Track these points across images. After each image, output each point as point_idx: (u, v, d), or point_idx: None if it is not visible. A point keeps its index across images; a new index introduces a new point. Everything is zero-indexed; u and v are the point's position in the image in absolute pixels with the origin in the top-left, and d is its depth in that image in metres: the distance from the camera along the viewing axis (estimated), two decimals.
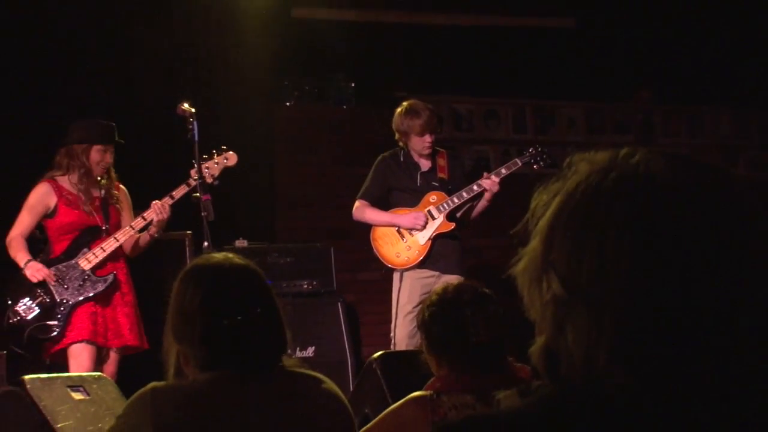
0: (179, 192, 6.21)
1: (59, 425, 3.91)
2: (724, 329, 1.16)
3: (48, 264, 6.14)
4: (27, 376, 4.09)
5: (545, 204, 1.26)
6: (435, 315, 3.36)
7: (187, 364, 2.48)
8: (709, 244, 1.17)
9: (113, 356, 6.17)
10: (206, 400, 2.36)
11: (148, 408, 2.29)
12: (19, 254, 6.12)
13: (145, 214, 6.23)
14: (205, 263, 2.62)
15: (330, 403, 2.52)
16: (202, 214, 6.00)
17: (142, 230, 6.28)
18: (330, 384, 2.57)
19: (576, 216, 1.22)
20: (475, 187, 6.61)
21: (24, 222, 6.18)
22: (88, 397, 4.20)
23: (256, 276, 2.58)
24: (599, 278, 1.17)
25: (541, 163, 6.82)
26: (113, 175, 6.35)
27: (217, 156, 6.33)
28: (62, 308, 6.07)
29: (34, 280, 6.03)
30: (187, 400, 2.34)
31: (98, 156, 6.17)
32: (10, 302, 6.13)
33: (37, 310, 6.09)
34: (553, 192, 1.26)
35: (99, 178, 6.25)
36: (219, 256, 2.66)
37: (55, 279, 6.06)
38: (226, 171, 6.35)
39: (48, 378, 4.21)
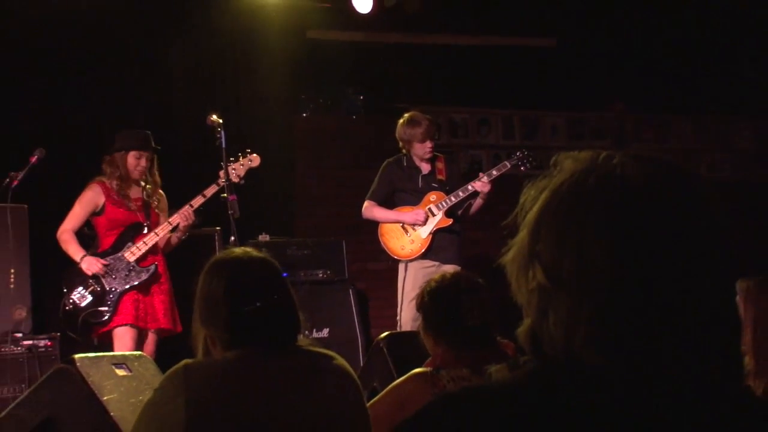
0: (210, 191, 6.24)
1: (105, 398, 3.92)
2: (687, 317, 1.17)
3: (98, 257, 6.17)
4: (77, 355, 4.10)
5: (533, 199, 1.26)
6: (434, 299, 3.37)
7: (213, 345, 2.50)
8: (675, 239, 1.18)
9: (151, 337, 6.22)
10: (232, 375, 2.38)
11: (181, 382, 2.30)
12: (73, 248, 6.16)
13: (171, 219, 6.28)
14: (227, 257, 2.64)
15: (340, 377, 2.53)
16: (229, 212, 6.02)
17: (173, 230, 6.31)
18: (340, 360, 2.58)
19: (560, 211, 1.21)
20: (469, 187, 6.63)
21: (76, 218, 6.22)
22: (130, 374, 4.21)
23: (272, 267, 2.60)
24: (579, 270, 1.17)
25: (528, 165, 6.83)
26: (157, 179, 6.38)
27: (243, 158, 6.34)
28: (111, 296, 6.12)
29: (90, 273, 6.07)
30: (215, 374, 2.36)
31: (134, 161, 6.20)
32: (66, 291, 6.18)
33: (89, 298, 6.14)
34: (540, 188, 1.25)
35: (143, 183, 6.27)
36: (238, 250, 2.69)
37: (105, 270, 6.10)
38: (250, 172, 6.36)
39: (95, 356, 4.22)
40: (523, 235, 1.25)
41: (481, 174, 6.68)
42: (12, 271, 6.61)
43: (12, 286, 6.64)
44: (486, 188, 6.57)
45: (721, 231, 1.22)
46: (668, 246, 1.17)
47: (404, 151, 6.81)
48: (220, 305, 2.46)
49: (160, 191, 6.44)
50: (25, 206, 6.75)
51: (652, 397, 1.15)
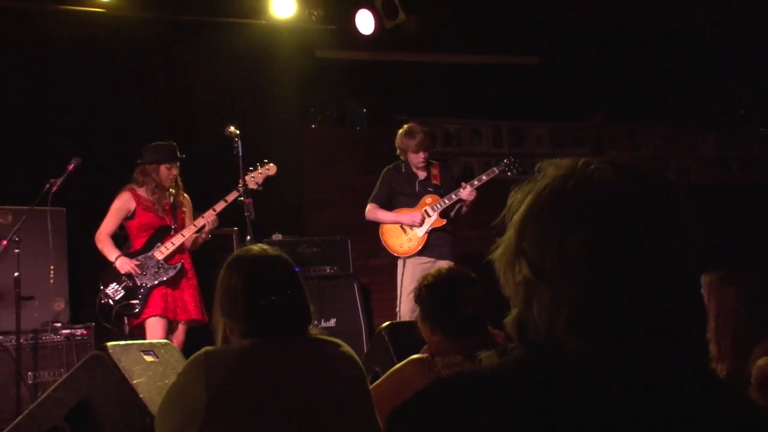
0: (231, 196, 6.27)
1: (135, 381, 3.92)
2: (657, 306, 1.18)
3: (130, 256, 6.25)
4: (109, 343, 4.10)
5: (519, 201, 1.26)
6: (431, 292, 3.37)
7: (232, 333, 2.51)
8: (645, 237, 1.19)
9: (181, 328, 6.27)
10: (247, 361, 2.38)
11: (202, 367, 2.31)
12: (108, 249, 6.24)
13: (196, 222, 6.31)
14: (246, 255, 2.63)
15: (346, 362, 2.53)
16: (246, 214, 6.04)
17: (198, 231, 6.33)
18: (346, 347, 2.58)
19: (543, 212, 1.22)
20: (453, 196, 6.66)
21: (110, 223, 6.28)
22: (157, 359, 4.21)
23: (286, 264, 2.60)
24: (560, 264, 1.18)
25: (514, 171, 6.84)
26: (180, 183, 6.43)
27: (261, 167, 6.37)
28: (142, 291, 6.16)
29: (123, 272, 6.11)
30: (232, 360, 2.36)
31: (166, 172, 6.27)
32: (101, 287, 6.24)
33: (122, 293, 6.19)
34: (526, 191, 1.26)
35: (169, 189, 6.30)
36: (256, 248, 2.67)
37: (136, 268, 6.13)
38: (268, 179, 6.37)
39: (125, 344, 4.22)
40: (510, 233, 1.26)
41: (463, 183, 6.69)
42: (51, 267, 6.62)
43: (52, 281, 6.65)
44: (471, 196, 6.61)
45: (686, 230, 1.23)
46: (639, 243, 1.18)
47: (402, 157, 6.81)
48: (238, 299, 2.46)
49: (185, 195, 6.47)
50: (63, 209, 6.75)
51: (627, 377, 1.16)
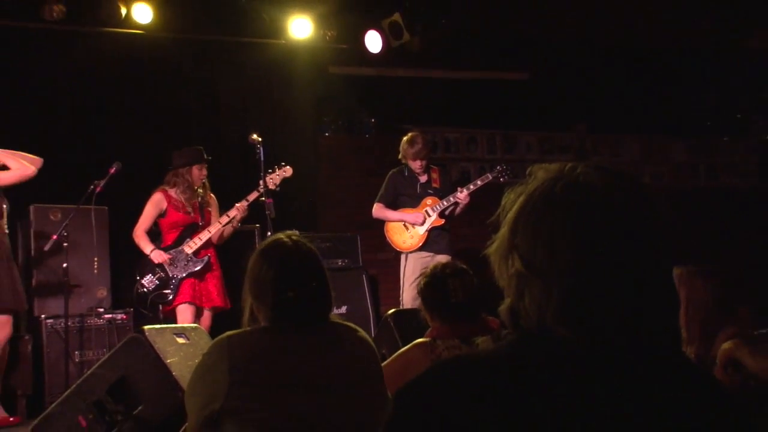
0: (252, 196, 6.28)
1: (168, 361, 3.92)
2: (636, 296, 1.18)
3: (163, 250, 6.26)
4: (146, 327, 4.11)
5: (512, 202, 1.26)
6: (428, 283, 3.37)
7: (258, 312, 2.47)
8: (626, 234, 1.19)
9: (207, 314, 6.28)
10: (269, 344, 2.34)
11: (225, 349, 2.26)
12: (144, 244, 6.27)
13: (229, 213, 6.32)
14: (277, 245, 2.54)
15: (363, 346, 2.49)
16: (266, 212, 6.05)
17: (227, 223, 6.35)
18: (362, 332, 2.54)
19: (534, 211, 1.22)
20: (451, 198, 6.67)
21: (145, 220, 6.30)
22: (188, 341, 4.22)
23: (314, 257, 2.55)
24: (549, 259, 1.18)
25: (506, 177, 6.83)
26: (207, 184, 6.43)
27: (279, 169, 6.37)
28: (173, 281, 6.18)
29: (157, 262, 6.14)
30: (254, 343, 2.32)
31: (197, 172, 6.31)
32: (138, 277, 6.29)
33: (157, 283, 6.22)
34: (518, 193, 1.26)
35: (197, 188, 6.32)
36: (287, 239, 2.57)
37: (169, 261, 6.14)
38: (284, 180, 6.38)
39: (160, 327, 4.23)
40: (504, 230, 1.26)
41: (459, 188, 6.70)
42: (95, 259, 6.65)
43: (95, 271, 6.68)
44: (466, 200, 6.61)
45: (662, 227, 1.23)
46: (620, 239, 1.18)
47: (405, 162, 6.81)
48: (267, 289, 2.41)
49: (212, 195, 6.49)
50: (106, 208, 6.78)
51: (608, 360, 1.16)
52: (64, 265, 6.11)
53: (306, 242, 2.57)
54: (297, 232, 2.62)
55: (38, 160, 5.81)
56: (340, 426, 2.27)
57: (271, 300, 2.40)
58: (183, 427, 2.86)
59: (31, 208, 6.62)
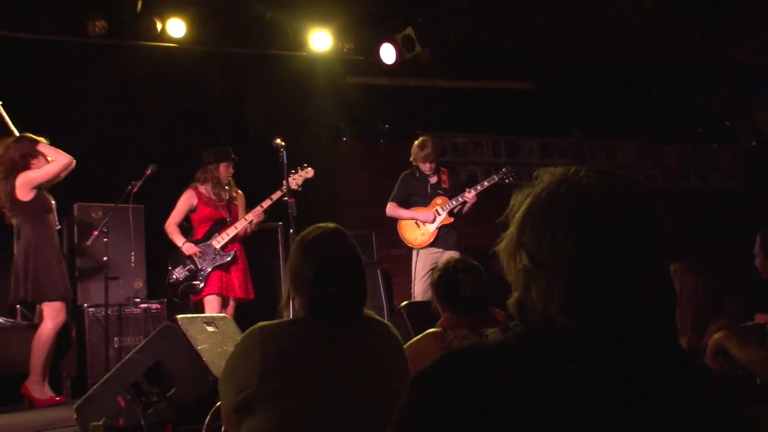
0: (275, 195, 6.29)
1: (199, 347, 3.94)
2: (634, 290, 1.17)
3: (194, 244, 6.26)
4: (179, 315, 4.14)
5: (520, 202, 1.26)
6: (440, 277, 3.37)
7: (295, 299, 2.41)
8: (624, 231, 1.19)
9: (232, 304, 6.30)
10: (301, 334, 2.29)
11: (257, 339, 2.22)
12: (176, 236, 6.32)
13: (254, 211, 6.32)
14: (319, 241, 2.43)
15: (392, 338, 2.44)
16: (289, 211, 6.04)
17: (249, 222, 6.38)
18: (391, 326, 2.49)
19: (540, 212, 1.22)
20: (460, 198, 6.66)
21: (177, 214, 6.35)
22: (217, 330, 4.24)
23: (354, 255, 2.46)
24: (554, 255, 1.18)
25: (511, 178, 6.80)
26: (233, 183, 6.44)
27: (301, 170, 6.39)
28: (202, 273, 6.21)
29: (188, 254, 6.19)
30: (286, 334, 2.28)
31: (224, 169, 6.34)
32: (170, 268, 6.32)
33: (187, 274, 6.25)
34: (526, 194, 1.26)
35: (225, 186, 6.34)
36: (330, 233, 2.46)
37: (199, 254, 6.16)
38: (306, 181, 6.38)
39: (192, 317, 4.25)
40: (512, 229, 1.25)
41: (467, 188, 6.70)
42: (132, 253, 6.67)
43: (132, 264, 6.70)
44: (473, 200, 6.60)
45: (658, 226, 1.22)
46: (619, 236, 1.18)
47: (416, 164, 6.80)
48: (307, 284, 2.33)
49: (239, 191, 6.51)
50: (142, 206, 6.81)
51: (609, 350, 1.16)
52: (104, 258, 6.14)
53: (347, 236, 2.47)
54: (338, 226, 2.50)
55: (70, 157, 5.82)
56: (365, 414, 2.21)
57: (309, 295, 2.34)
58: (213, 408, 2.87)
59: (75, 206, 6.68)
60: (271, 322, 2.35)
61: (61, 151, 5.73)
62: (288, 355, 2.21)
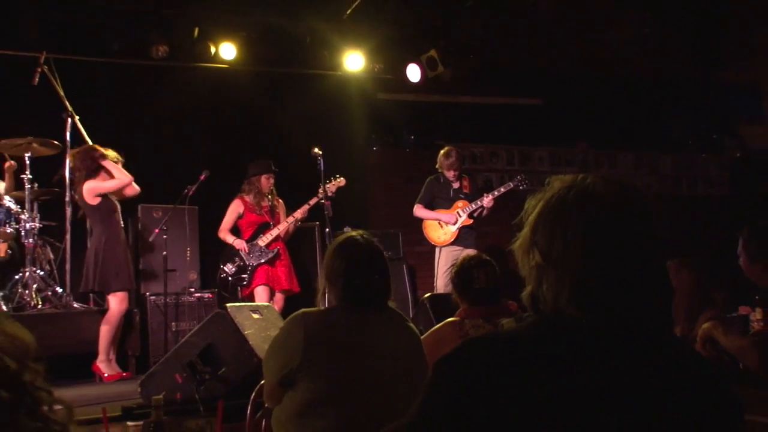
0: (313, 201, 6.31)
1: (246, 332, 3.96)
2: (636, 284, 1.17)
3: None
4: (228, 304, 4.16)
5: (533, 206, 1.26)
6: (458, 272, 3.36)
7: (330, 293, 2.50)
8: (627, 232, 1.18)
9: (278, 296, 6.34)
10: (338, 320, 2.39)
11: (301, 322, 2.31)
12: (228, 237, 6.32)
13: (294, 214, 6.37)
14: (349, 242, 2.54)
15: (409, 329, 2.50)
16: (325, 213, 6.06)
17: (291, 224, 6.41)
18: (409, 321, 2.55)
19: (551, 214, 1.22)
20: (478, 202, 6.60)
21: (227, 222, 6.44)
22: (261, 317, 4.25)
23: (379, 254, 2.55)
24: (563, 253, 1.18)
25: (525, 185, 6.73)
26: (274, 192, 6.48)
27: (335, 180, 6.38)
28: (249, 268, 6.25)
29: (238, 248, 6.28)
30: (324, 319, 2.37)
31: (265, 181, 6.35)
32: (221, 265, 6.37)
33: (236, 270, 6.30)
34: (538, 199, 1.26)
35: (267, 195, 6.36)
36: (358, 237, 2.57)
37: (247, 251, 6.20)
38: (339, 188, 6.38)
39: (239, 305, 4.27)
40: (526, 230, 1.25)
41: (485, 194, 6.65)
42: (188, 249, 6.73)
43: (188, 258, 6.76)
44: (491, 204, 6.56)
45: (656, 227, 1.22)
46: (623, 236, 1.17)
47: (440, 171, 6.77)
48: (339, 277, 2.43)
49: (279, 200, 6.54)
50: (196, 208, 6.85)
51: (613, 337, 1.15)
52: (164, 253, 6.19)
53: (374, 241, 2.57)
54: (366, 233, 2.61)
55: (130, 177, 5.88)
56: (388, 387, 2.29)
57: (342, 286, 2.43)
58: (258, 386, 2.88)
59: (139, 207, 6.73)
60: (312, 309, 2.43)
61: (123, 171, 5.75)
62: (326, 336, 2.29)
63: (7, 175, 6.26)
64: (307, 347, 2.24)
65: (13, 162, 6.17)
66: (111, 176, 5.68)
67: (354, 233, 2.58)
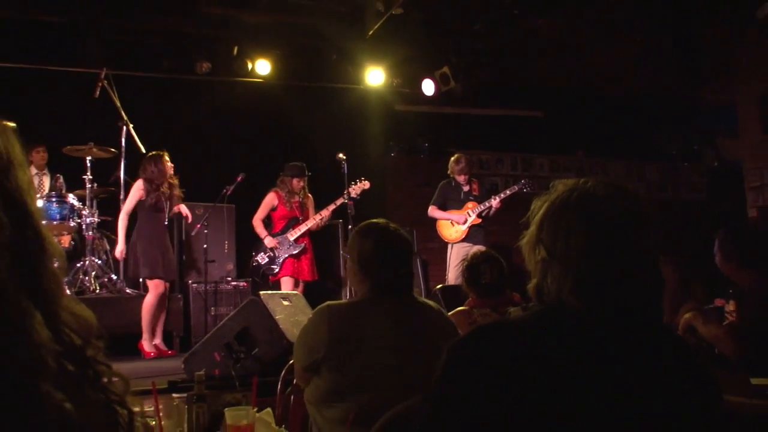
0: (339, 201, 6.28)
1: (277, 317, 3.97)
2: (631, 277, 1.16)
3: (273, 236, 6.30)
4: (261, 292, 4.16)
5: (539, 207, 1.26)
6: (467, 267, 3.35)
7: (354, 275, 2.32)
8: (623, 230, 1.18)
9: (301, 286, 6.27)
10: (362, 312, 2.23)
11: (325, 315, 2.18)
12: (260, 230, 6.34)
13: (321, 213, 6.33)
14: (376, 225, 2.33)
15: (436, 313, 2.33)
16: (348, 212, 6.05)
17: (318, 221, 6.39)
18: (437, 306, 2.37)
19: (555, 214, 1.21)
20: (487, 204, 6.57)
21: (261, 212, 6.39)
22: (290, 304, 4.25)
23: (407, 240, 2.34)
24: (566, 250, 1.17)
25: (528, 189, 6.70)
26: (306, 189, 6.42)
27: (360, 182, 6.36)
28: (279, 259, 6.23)
29: (268, 246, 6.21)
30: (349, 311, 2.23)
31: (296, 182, 6.32)
32: (254, 254, 6.36)
33: (267, 260, 6.28)
34: (543, 200, 1.26)
35: (298, 193, 6.35)
36: (382, 222, 2.34)
37: (277, 244, 6.20)
38: (363, 191, 6.36)
39: (271, 293, 4.27)
40: (532, 228, 1.25)
41: (493, 195, 6.63)
42: (226, 242, 6.76)
43: (226, 251, 6.79)
44: (498, 205, 6.54)
45: (649, 226, 1.21)
46: (619, 234, 1.17)
47: (452, 176, 6.75)
48: (375, 268, 2.25)
49: (310, 195, 6.50)
50: (233, 206, 6.89)
51: (610, 324, 1.15)
52: (205, 246, 6.22)
53: (403, 232, 2.34)
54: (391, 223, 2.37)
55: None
56: (415, 377, 2.09)
57: (376, 276, 2.25)
58: (287, 365, 2.87)
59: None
60: (338, 301, 2.30)
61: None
62: (350, 328, 2.16)
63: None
64: (331, 342, 2.13)
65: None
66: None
67: (383, 223, 2.34)
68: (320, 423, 2.18)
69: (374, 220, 2.36)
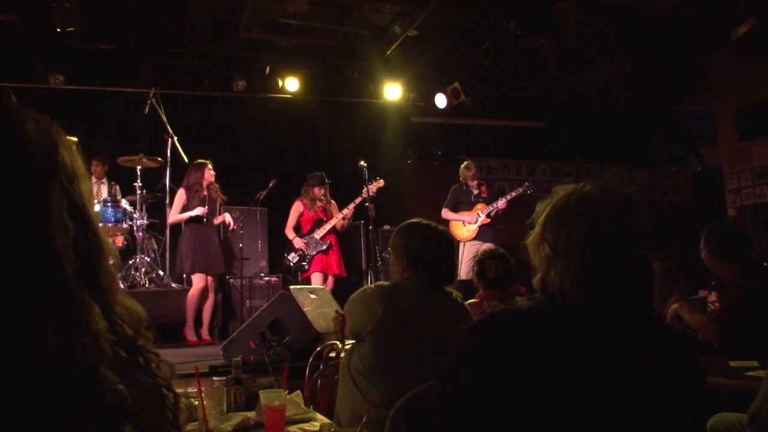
0: (358, 199, 6.26)
1: (305, 309, 3.96)
2: (626, 271, 1.16)
3: (301, 236, 6.30)
4: (291, 286, 4.16)
5: (542, 209, 1.26)
6: (477, 263, 3.34)
7: (396, 267, 2.30)
8: (619, 229, 1.18)
9: (330, 279, 6.27)
10: (412, 296, 2.20)
11: (384, 294, 2.15)
12: (291, 234, 6.31)
13: (343, 212, 6.31)
14: (418, 223, 2.30)
15: (464, 307, 2.33)
16: (369, 213, 6.03)
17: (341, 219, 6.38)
18: (461, 299, 2.35)
19: (557, 215, 1.22)
20: (495, 204, 6.53)
21: (291, 221, 6.37)
22: (317, 297, 4.25)
23: (451, 241, 2.32)
24: (568, 247, 1.18)
25: (530, 191, 6.65)
26: (328, 196, 6.41)
27: (375, 182, 6.33)
28: (308, 257, 6.22)
29: (297, 247, 6.20)
30: (403, 294, 2.19)
31: (317, 191, 6.31)
32: (286, 254, 6.34)
33: (297, 258, 6.26)
34: (546, 203, 1.26)
35: (320, 199, 6.34)
36: (425, 222, 2.30)
37: (305, 244, 6.20)
38: (379, 188, 6.33)
39: (300, 287, 4.27)
40: (537, 228, 1.25)
41: (500, 197, 6.59)
42: (259, 242, 6.79)
43: (259, 249, 6.82)
44: (504, 206, 6.50)
45: (642, 225, 1.21)
46: (615, 233, 1.17)
47: (463, 181, 6.72)
48: (416, 256, 2.22)
49: (332, 201, 6.49)
50: (266, 209, 6.91)
51: (608, 312, 1.15)
52: (240, 245, 6.25)
53: (444, 229, 2.32)
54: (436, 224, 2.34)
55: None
56: (441, 360, 2.17)
57: (418, 265, 2.22)
58: (314, 352, 2.86)
59: (221, 209, 6.80)
60: (393, 283, 2.26)
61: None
62: (401, 311, 2.14)
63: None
64: (383, 318, 2.10)
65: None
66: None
67: (432, 224, 2.30)
68: (354, 391, 2.15)
69: (414, 220, 2.33)
